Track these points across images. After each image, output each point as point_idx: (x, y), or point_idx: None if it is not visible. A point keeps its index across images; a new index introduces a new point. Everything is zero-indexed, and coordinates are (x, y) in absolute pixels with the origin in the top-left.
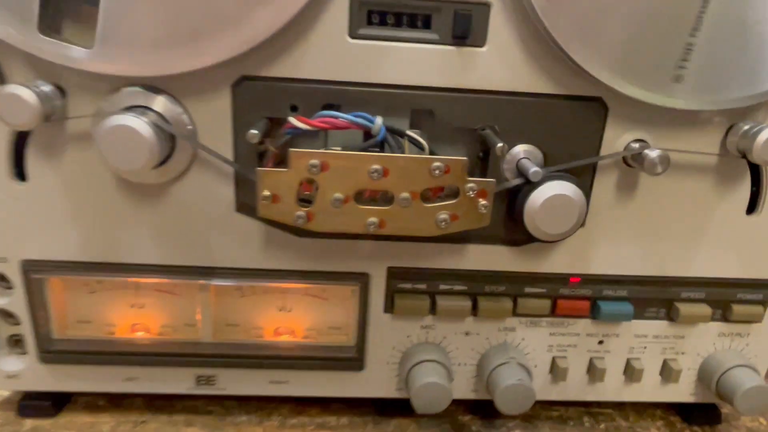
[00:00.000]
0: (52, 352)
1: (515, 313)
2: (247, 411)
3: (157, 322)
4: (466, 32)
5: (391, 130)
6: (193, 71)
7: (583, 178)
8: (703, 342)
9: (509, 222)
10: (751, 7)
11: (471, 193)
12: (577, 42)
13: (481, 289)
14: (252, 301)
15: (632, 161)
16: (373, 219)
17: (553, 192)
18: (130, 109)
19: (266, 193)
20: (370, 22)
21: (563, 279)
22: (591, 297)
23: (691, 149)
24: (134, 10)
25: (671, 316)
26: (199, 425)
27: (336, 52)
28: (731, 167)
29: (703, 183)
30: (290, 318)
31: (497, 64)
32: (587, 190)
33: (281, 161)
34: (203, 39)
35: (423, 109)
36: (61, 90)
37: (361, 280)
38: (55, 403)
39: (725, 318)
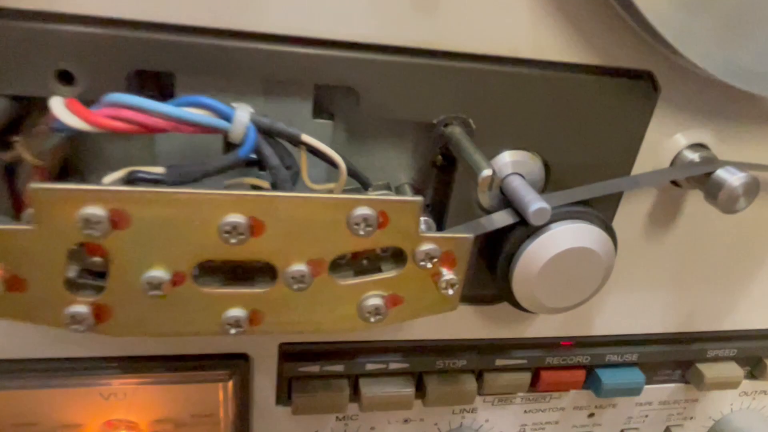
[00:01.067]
0: None
1: (481, 392)
2: None
3: None
4: None
5: (269, 132)
6: None
7: (605, 207)
8: (718, 404)
9: (478, 270)
10: None
11: (427, 263)
12: None
13: (429, 366)
14: (55, 391)
15: (688, 183)
16: (236, 311)
17: (567, 244)
18: None
19: None
20: None
21: (550, 344)
22: (588, 365)
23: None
24: None
25: (688, 379)
26: None
27: None
28: None
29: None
30: (126, 407)
31: (473, 6)
32: (611, 228)
33: (62, 175)
34: None
35: (338, 87)
36: None
37: (237, 367)
38: None
39: (753, 376)
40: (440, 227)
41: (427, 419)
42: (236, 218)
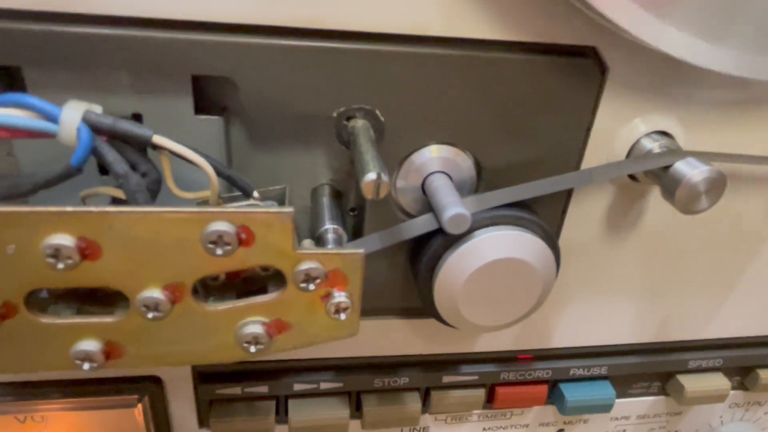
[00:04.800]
0: None
1: (428, 411)
2: None
3: None
4: None
5: (112, 135)
6: None
7: (549, 208)
8: (706, 416)
9: (415, 280)
10: None
11: (310, 286)
12: None
13: (366, 385)
14: None
15: (647, 178)
16: (88, 344)
17: (493, 255)
18: None
19: None
20: None
21: (505, 358)
22: (549, 379)
23: (741, 150)
24: None
25: (668, 391)
26: None
27: None
28: None
29: (752, 201)
30: (41, 430)
31: None
32: (556, 231)
33: None
34: None
35: (214, 76)
36: None
37: (146, 390)
38: None
39: (743, 387)
40: (359, 234)
41: None
42: (59, 239)
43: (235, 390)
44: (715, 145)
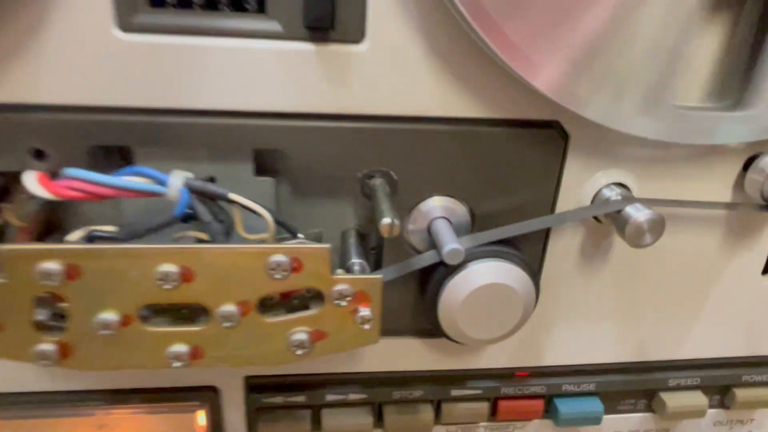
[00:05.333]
0: None
1: (439, 422)
2: None
3: None
4: (326, 17)
5: (202, 193)
6: None
7: (531, 246)
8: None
9: (423, 305)
10: None
11: (341, 302)
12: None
13: (387, 396)
14: (45, 423)
15: (606, 219)
16: (178, 347)
17: (481, 281)
18: None
19: None
20: (156, 2)
21: (505, 374)
22: (545, 394)
23: (692, 196)
24: None
25: (654, 407)
26: None
27: (100, 57)
28: (749, 214)
29: (707, 238)
30: None
31: (386, 71)
32: (537, 263)
33: (47, 234)
34: None
35: (272, 149)
36: None
37: (206, 398)
38: None
39: (723, 405)
40: (379, 267)
41: None
42: (168, 267)
43: (278, 399)
44: (661, 192)
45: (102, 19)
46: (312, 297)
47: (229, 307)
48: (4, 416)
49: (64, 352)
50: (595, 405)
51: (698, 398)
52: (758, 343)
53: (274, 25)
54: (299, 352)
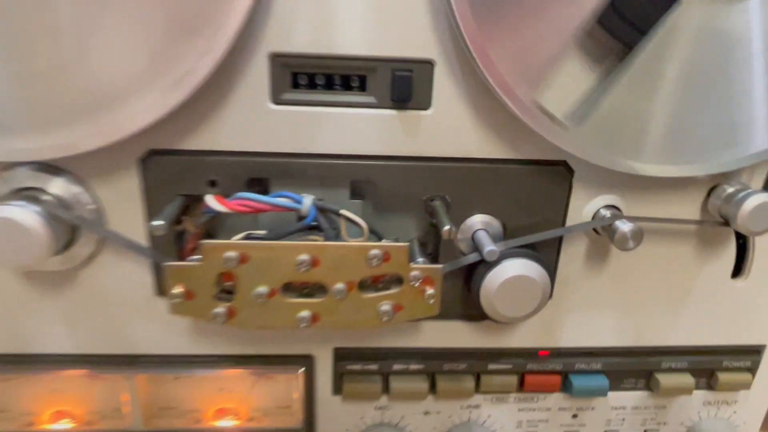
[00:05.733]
0: None
1: (479, 391)
2: None
3: (82, 408)
4: (406, 94)
5: (323, 210)
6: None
7: (548, 250)
8: (686, 411)
9: (467, 296)
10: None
11: (415, 283)
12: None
13: (439, 368)
14: (188, 382)
15: (602, 232)
16: (304, 313)
17: (511, 273)
18: (21, 191)
19: (178, 290)
20: (296, 86)
21: (531, 353)
22: (562, 371)
23: (669, 214)
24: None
25: (651, 386)
26: None
27: (258, 120)
28: (714, 228)
29: (683, 247)
30: (232, 398)
31: (445, 127)
32: (552, 263)
33: (192, 253)
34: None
35: (364, 181)
36: None
37: (305, 363)
38: None
39: (710, 386)
40: None
41: (443, 412)
42: (303, 257)
43: (357, 366)
44: (643, 212)
45: (262, 97)
46: (392, 282)
47: (340, 285)
48: (158, 372)
49: (231, 314)
50: (602, 381)
51: (687, 379)
52: (735, 335)
53: (370, 99)
54: (385, 318)
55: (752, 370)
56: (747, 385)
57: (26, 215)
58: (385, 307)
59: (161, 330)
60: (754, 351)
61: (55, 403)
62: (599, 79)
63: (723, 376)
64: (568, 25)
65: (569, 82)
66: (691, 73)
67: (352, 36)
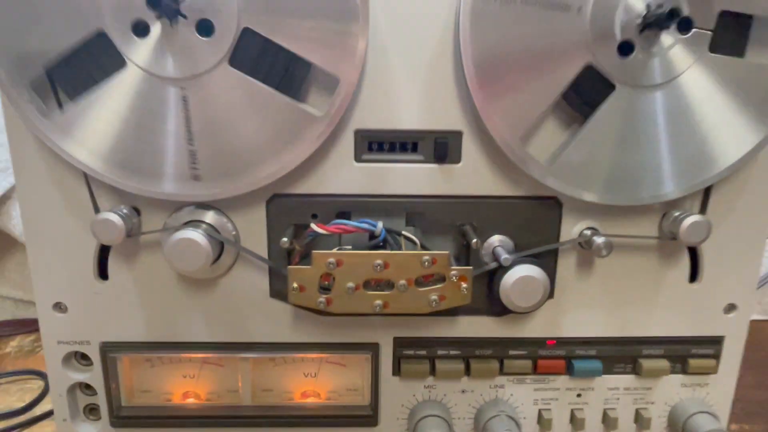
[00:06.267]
0: (120, 418)
1: (502, 372)
2: None
3: (205, 390)
4: (444, 154)
5: (390, 231)
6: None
7: (547, 260)
8: (668, 392)
9: (491, 297)
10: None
11: (454, 279)
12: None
13: (472, 353)
14: (283, 369)
15: (585, 245)
16: (378, 302)
17: (521, 274)
18: (188, 223)
19: (295, 285)
20: (370, 150)
21: (541, 342)
22: (566, 356)
23: (634, 233)
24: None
25: (637, 370)
26: None
27: (345, 173)
28: (673, 243)
29: (652, 258)
30: (315, 382)
31: (471, 175)
32: (551, 269)
33: (306, 256)
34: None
35: (415, 212)
36: (136, 210)
37: (373, 349)
38: None
39: (684, 371)
40: None
41: (476, 391)
42: (378, 261)
43: (411, 352)
44: (615, 231)
45: (348, 158)
46: (438, 280)
47: (403, 282)
48: (267, 354)
49: (328, 302)
50: (597, 365)
51: (663, 363)
52: (699, 327)
53: (420, 157)
54: (434, 305)
55: (716, 356)
56: (714, 369)
57: (197, 236)
58: (433, 297)
59: (271, 323)
60: (716, 341)
61: (186, 386)
62: (569, 136)
63: (693, 362)
64: (546, 100)
65: (549, 139)
66: (624, 135)
67: (408, 117)
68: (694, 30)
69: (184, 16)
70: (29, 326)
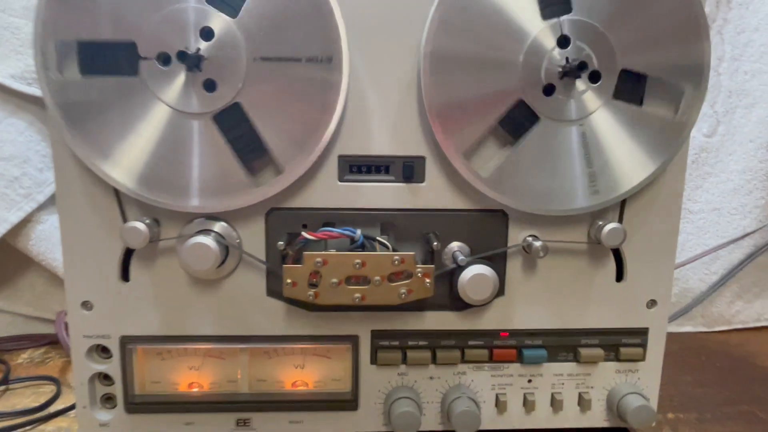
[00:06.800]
0: (134, 404)
1: (464, 360)
2: None
3: (207, 380)
4: (411, 175)
5: (367, 237)
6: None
7: (498, 262)
8: (605, 378)
9: (452, 294)
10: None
11: (419, 275)
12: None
13: (437, 344)
14: (276, 361)
15: (527, 249)
16: (357, 295)
17: (475, 272)
18: (200, 231)
19: (289, 281)
20: (351, 171)
21: (495, 334)
22: (516, 346)
23: (567, 239)
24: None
25: (577, 358)
26: None
27: (331, 190)
28: (601, 248)
29: (583, 260)
30: (304, 373)
31: (433, 192)
32: (501, 270)
33: (297, 260)
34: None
35: (388, 222)
36: (157, 221)
37: (353, 340)
38: None
39: (617, 358)
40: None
41: (442, 377)
42: (357, 261)
43: (386, 342)
44: (552, 237)
45: (333, 178)
46: (406, 276)
47: (377, 278)
48: (263, 345)
49: (316, 295)
50: (542, 353)
51: (598, 352)
52: (627, 320)
53: (391, 177)
54: (402, 297)
55: (643, 346)
56: (642, 357)
57: (209, 241)
58: (403, 290)
59: (267, 318)
60: (642, 332)
61: (191, 377)
62: (506, 156)
63: (624, 350)
64: (487, 125)
65: (495, 162)
66: (546, 159)
67: (381, 145)
68: (600, 81)
69: (200, 70)
70: (39, 340)
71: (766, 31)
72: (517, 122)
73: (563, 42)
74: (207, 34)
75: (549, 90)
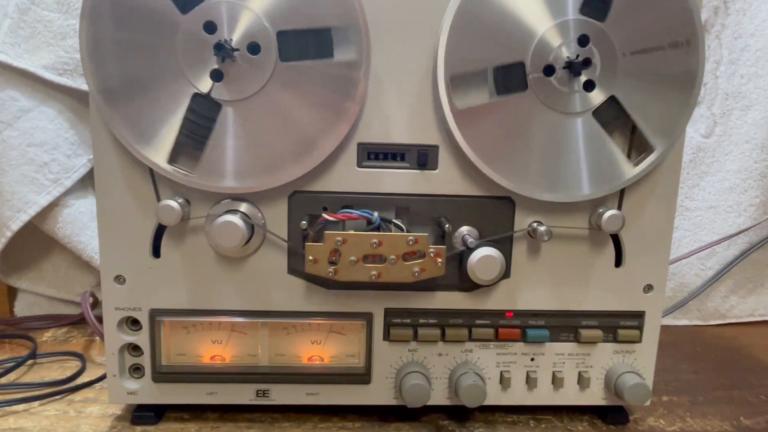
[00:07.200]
0: (161, 374)
1: (471, 339)
2: (289, 419)
3: (230, 354)
4: (425, 162)
5: (383, 220)
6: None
7: (504, 244)
8: (603, 358)
9: (461, 275)
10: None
11: (431, 254)
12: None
13: (446, 322)
14: (294, 337)
15: (532, 234)
16: (374, 272)
17: (483, 254)
18: (228, 211)
19: (311, 257)
20: (369, 158)
21: (501, 314)
22: (521, 326)
23: (570, 225)
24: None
25: (577, 338)
26: (256, 429)
27: (350, 176)
28: (601, 235)
29: (584, 246)
30: (320, 349)
31: (445, 179)
32: (508, 253)
33: (317, 240)
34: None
35: (403, 207)
36: (188, 201)
37: (367, 317)
38: (156, 414)
39: (615, 340)
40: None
41: (450, 354)
42: (374, 240)
43: (398, 320)
44: (556, 223)
45: (352, 164)
46: (419, 256)
47: (393, 257)
48: (283, 320)
49: (335, 272)
50: (545, 333)
51: (597, 333)
52: (625, 304)
53: (407, 164)
54: (416, 275)
55: (639, 328)
56: (638, 339)
57: (236, 219)
58: (416, 269)
59: (287, 294)
60: (638, 315)
61: (214, 350)
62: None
63: (621, 332)
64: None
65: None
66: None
67: (397, 134)
68: (591, 92)
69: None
70: (62, 320)
71: (762, 37)
72: (508, 81)
73: (583, 40)
74: None
75: (549, 70)
